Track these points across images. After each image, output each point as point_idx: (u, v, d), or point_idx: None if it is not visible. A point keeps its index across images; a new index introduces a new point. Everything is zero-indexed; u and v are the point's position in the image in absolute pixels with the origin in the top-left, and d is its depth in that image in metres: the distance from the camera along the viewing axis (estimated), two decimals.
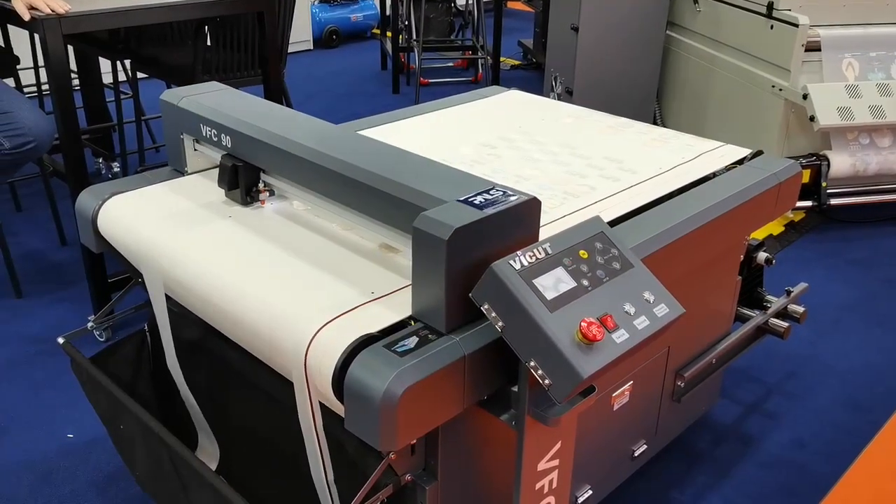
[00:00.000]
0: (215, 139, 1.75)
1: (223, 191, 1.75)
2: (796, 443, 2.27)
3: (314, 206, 1.66)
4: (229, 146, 1.72)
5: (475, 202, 1.26)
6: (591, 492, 1.81)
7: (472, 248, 1.22)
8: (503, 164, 1.94)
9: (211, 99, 1.81)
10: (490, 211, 1.23)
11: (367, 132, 2.15)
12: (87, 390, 1.85)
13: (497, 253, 1.25)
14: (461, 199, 1.27)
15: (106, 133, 3.97)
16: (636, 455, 1.94)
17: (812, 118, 3.35)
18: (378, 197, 1.40)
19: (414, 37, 5.59)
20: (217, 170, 1.74)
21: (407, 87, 5.77)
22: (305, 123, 1.67)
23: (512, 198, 1.28)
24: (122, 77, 3.91)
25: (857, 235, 3.53)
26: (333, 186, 1.50)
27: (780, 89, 3.51)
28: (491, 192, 1.29)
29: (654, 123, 4.49)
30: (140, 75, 3.60)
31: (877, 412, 2.40)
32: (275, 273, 1.44)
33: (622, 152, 2.03)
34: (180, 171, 1.90)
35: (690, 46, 4.22)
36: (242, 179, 1.70)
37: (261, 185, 1.72)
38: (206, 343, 1.69)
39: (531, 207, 1.30)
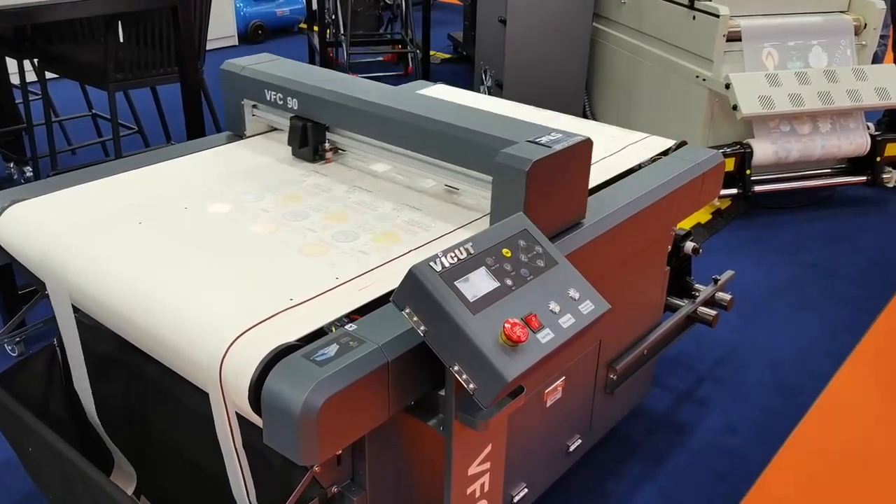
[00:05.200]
0: (280, 102, 1.90)
1: (281, 151, 1.91)
2: (728, 428, 2.30)
3: (380, 157, 1.82)
4: (295, 108, 1.87)
5: (542, 142, 1.48)
6: (526, 490, 1.79)
7: (544, 179, 1.46)
8: None
9: (271, 67, 1.97)
10: (558, 147, 1.47)
11: None
12: None
13: (563, 185, 1.52)
14: (530, 139, 1.49)
15: (17, 136, 3.78)
16: (571, 450, 1.93)
17: (735, 107, 3.41)
18: (454, 142, 1.59)
19: (342, 31, 5.50)
20: (271, 133, 1.97)
21: None
22: (363, 84, 1.85)
23: (570, 138, 1.52)
24: (33, 77, 3.72)
25: (781, 221, 3.61)
26: (406, 136, 1.68)
27: (704, 79, 3.56)
28: (552, 135, 1.53)
29: (585, 115, 4.52)
30: (50, 75, 3.42)
31: (804, 394, 2.45)
32: (189, 281, 1.37)
33: None
34: (239, 136, 2.07)
35: (617, 38, 4.26)
36: (312, 137, 1.85)
37: (327, 145, 1.87)
38: (121, 356, 1.61)
39: (587, 146, 1.54)
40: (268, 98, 1.92)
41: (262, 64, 1.98)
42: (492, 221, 1.52)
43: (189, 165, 1.87)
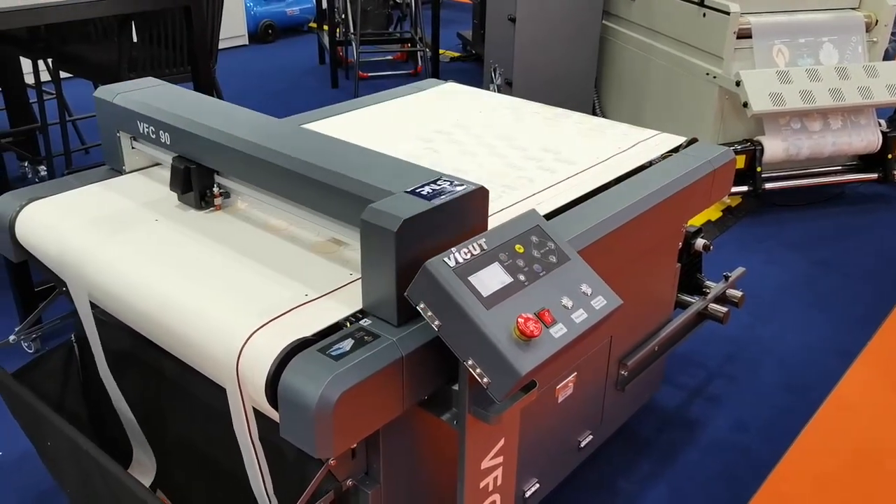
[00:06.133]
0: (153, 136, 1.68)
1: (162, 191, 1.68)
2: (738, 426, 2.30)
3: (258, 202, 1.61)
4: (168, 143, 1.65)
5: (423, 193, 1.24)
6: (538, 485, 1.80)
7: (421, 240, 1.21)
8: (441, 159, 1.91)
9: (147, 95, 1.74)
10: (438, 201, 1.22)
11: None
12: (10, 407, 1.77)
13: (446, 243, 1.24)
14: (408, 189, 1.26)
15: (31, 135, 3.81)
16: (582, 446, 1.94)
17: (745, 104, 3.41)
18: (324, 190, 1.37)
19: (351, 30, 5.52)
20: (153, 168, 1.69)
21: (346, 81, 5.70)
22: (246, 118, 1.62)
23: (459, 187, 1.27)
24: (47, 77, 3.75)
25: (791, 218, 3.61)
26: (277, 181, 1.46)
27: (714, 76, 3.56)
28: (438, 183, 1.28)
29: (594, 113, 4.52)
30: (64, 74, 3.45)
31: (814, 392, 2.45)
32: (204, 277, 1.38)
33: (559, 143, 2.02)
34: (118, 171, 1.83)
35: (627, 36, 4.26)
36: (196, 182, 1.60)
37: (216, 189, 1.63)
38: (138, 351, 1.63)
39: (478, 197, 1.29)
40: (141, 131, 1.71)
41: (137, 92, 1.76)
42: (363, 286, 1.27)
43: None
